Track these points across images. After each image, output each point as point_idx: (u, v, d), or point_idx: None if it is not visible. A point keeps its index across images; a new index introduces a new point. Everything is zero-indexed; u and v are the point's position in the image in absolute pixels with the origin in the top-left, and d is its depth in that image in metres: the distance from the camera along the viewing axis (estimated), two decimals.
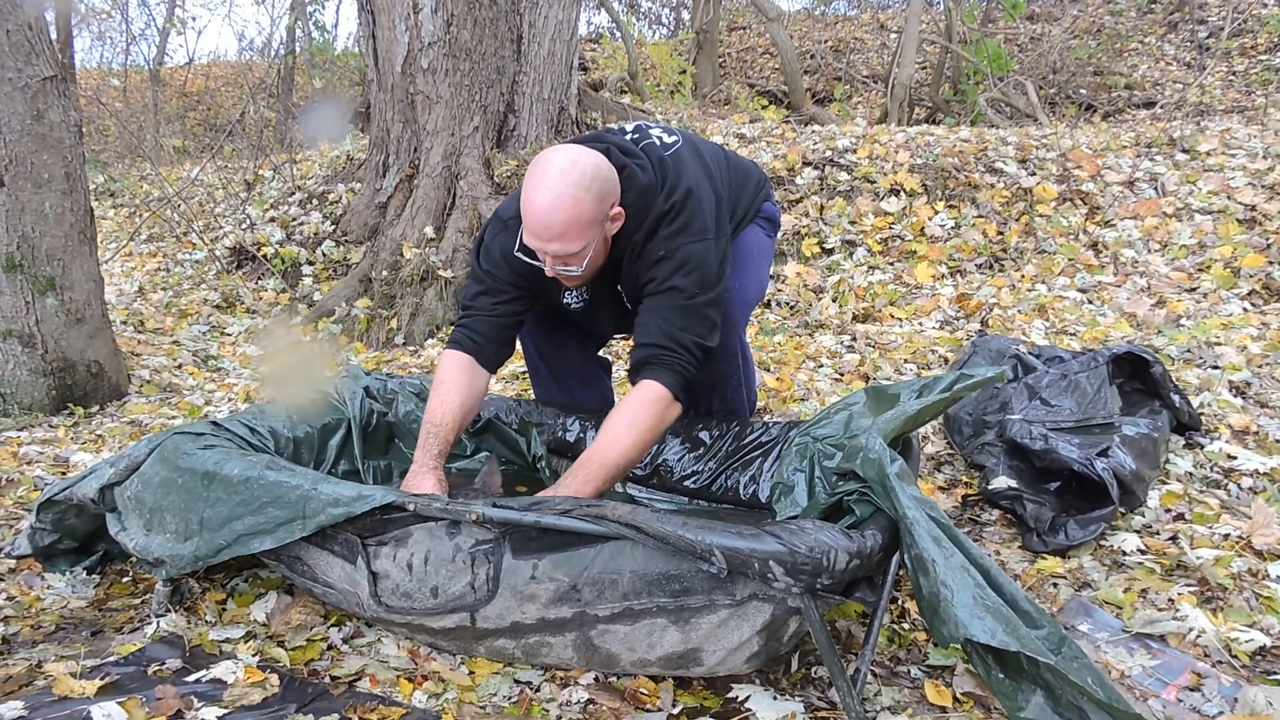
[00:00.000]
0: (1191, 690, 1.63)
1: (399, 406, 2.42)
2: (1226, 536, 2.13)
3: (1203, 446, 2.58)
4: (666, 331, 1.93)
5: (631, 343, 2.03)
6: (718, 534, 1.45)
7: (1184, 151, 5.17)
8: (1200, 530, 2.17)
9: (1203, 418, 2.70)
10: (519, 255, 2.03)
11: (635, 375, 1.96)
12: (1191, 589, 1.94)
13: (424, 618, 1.72)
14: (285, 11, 11.22)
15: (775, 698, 1.64)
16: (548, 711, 1.63)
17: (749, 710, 1.61)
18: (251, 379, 4.00)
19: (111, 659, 1.74)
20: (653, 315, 1.97)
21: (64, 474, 2.73)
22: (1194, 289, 4.00)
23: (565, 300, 2.18)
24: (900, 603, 1.97)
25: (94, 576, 2.10)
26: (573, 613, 1.60)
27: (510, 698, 1.68)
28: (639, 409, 1.92)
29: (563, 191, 1.81)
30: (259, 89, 9.73)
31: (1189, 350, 3.25)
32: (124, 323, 4.57)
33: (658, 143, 2.06)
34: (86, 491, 1.92)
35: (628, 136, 2.09)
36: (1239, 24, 9.52)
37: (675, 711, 1.63)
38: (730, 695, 1.67)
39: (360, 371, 2.45)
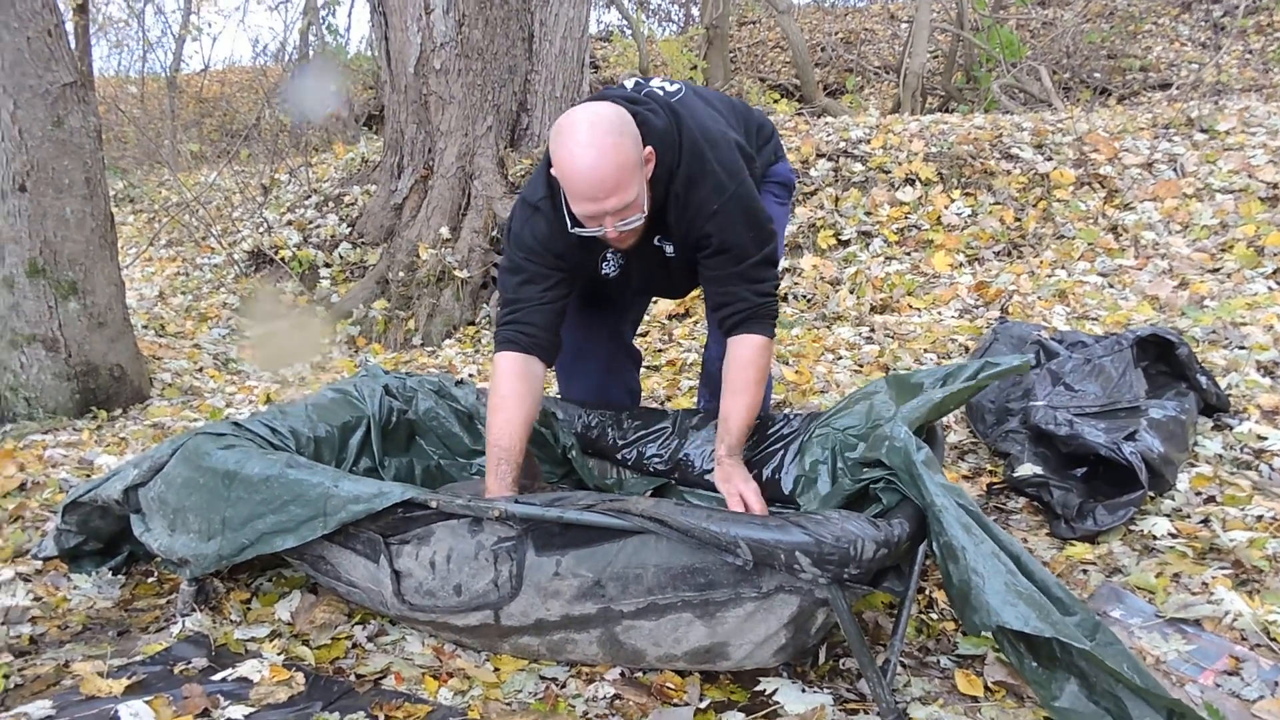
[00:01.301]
0: (1230, 674, 1.61)
1: (419, 404, 2.42)
2: (1260, 518, 2.10)
3: (1232, 428, 2.54)
4: (752, 290, 2.01)
5: (709, 305, 2.10)
6: (743, 525, 1.44)
7: (1202, 131, 5.10)
8: (1232, 512, 2.14)
9: (1231, 399, 2.66)
10: (574, 231, 1.93)
11: (734, 331, 2.03)
12: (1226, 572, 1.91)
13: (448, 615, 1.71)
14: (298, 16, 11.26)
15: (804, 690, 1.63)
16: (574, 707, 1.62)
17: (777, 703, 1.60)
18: (272, 381, 4.01)
19: (138, 658, 1.75)
20: (730, 281, 2.01)
21: (88, 476, 2.74)
22: (1217, 269, 3.94)
23: (604, 271, 2.13)
24: (928, 592, 1.95)
25: (119, 577, 2.11)
26: (597, 609, 1.59)
27: (536, 694, 1.67)
28: (753, 364, 2.02)
29: (602, 143, 1.75)
30: (274, 94, 9.77)
31: (1214, 331, 3.21)
32: (145, 327, 4.60)
33: (660, 91, 2.03)
34: (111, 493, 1.92)
35: (628, 89, 2.04)
36: (1254, 2, 9.38)
37: (702, 706, 1.61)
38: (758, 688, 1.65)
39: (379, 370, 2.45)
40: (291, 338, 4.48)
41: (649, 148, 1.87)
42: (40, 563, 2.15)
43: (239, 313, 5.13)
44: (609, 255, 2.10)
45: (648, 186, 1.90)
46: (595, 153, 1.75)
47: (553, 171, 1.87)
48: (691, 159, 1.93)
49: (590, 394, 2.53)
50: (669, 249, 2.07)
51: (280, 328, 4.63)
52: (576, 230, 1.92)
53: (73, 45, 3.33)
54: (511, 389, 1.99)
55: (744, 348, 2.02)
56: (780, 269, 2.08)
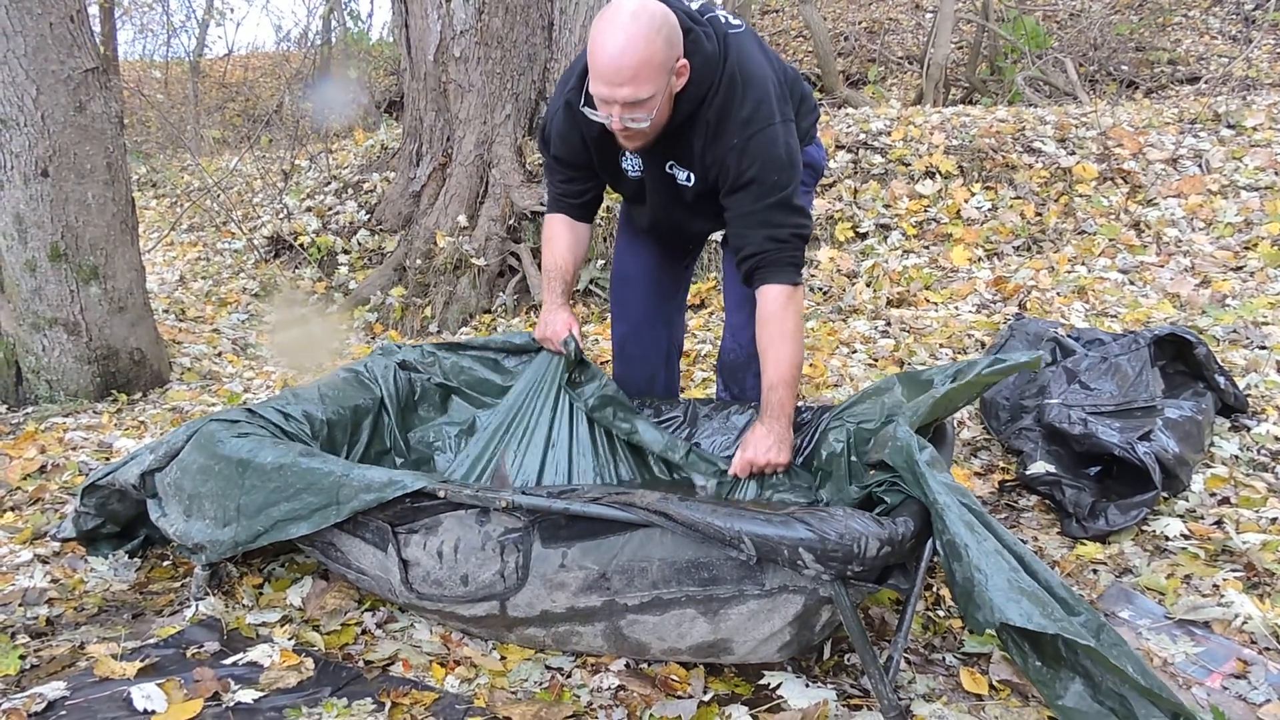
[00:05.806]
0: (1237, 678, 1.60)
1: (442, 363, 2.44)
2: (1274, 520, 2.08)
3: (1249, 429, 2.51)
4: (767, 235, 1.99)
5: (731, 250, 2.10)
6: (747, 521, 1.44)
7: (1229, 127, 5.03)
8: (1246, 514, 2.12)
9: (1250, 399, 2.64)
10: (583, 110, 1.99)
11: (753, 282, 2.04)
12: (1237, 574, 1.90)
13: (455, 605, 1.73)
14: (321, 2, 11.30)
15: (807, 685, 1.63)
16: (579, 697, 1.63)
17: (781, 698, 1.60)
18: (289, 366, 4.05)
19: (151, 641, 1.78)
20: (745, 222, 2.01)
21: (108, 459, 2.78)
22: (1240, 268, 3.89)
23: (624, 166, 2.16)
24: (935, 590, 1.95)
25: (135, 560, 2.14)
26: (602, 601, 1.60)
27: (541, 683, 1.68)
28: (776, 318, 2.01)
29: (634, 33, 1.78)
30: (295, 79, 9.80)
31: (1235, 331, 3.17)
32: (165, 311, 4.65)
33: (722, 20, 2.03)
34: (128, 477, 1.95)
35: (694, 6, 2.04)
36: None
37: (706, 698, 1.62)
38: (762, 682, 1.66)
39: (393, 347, 2.45)
40: (313, 334, 4.53)
41: (684, 61, 1.89)
42: (58, 545, 2.19)
43: (258, 299, 5.17)
44: (627, 153, 2.13)
45: (672, 101, 1.93)
46: (625, 40, 1.78)
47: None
48: (728, 91, 1.95)
49: (643, 383, 2.51)
50: (682, 176, 2.09)
51: (302, 323, 4.67)
52: (586, 109, 1.97)
53: (97, 30, 3.35)
54: (558, 232, 2.28)
55: (764, 302, 2.02)
56: (810, 217, 2.06)
